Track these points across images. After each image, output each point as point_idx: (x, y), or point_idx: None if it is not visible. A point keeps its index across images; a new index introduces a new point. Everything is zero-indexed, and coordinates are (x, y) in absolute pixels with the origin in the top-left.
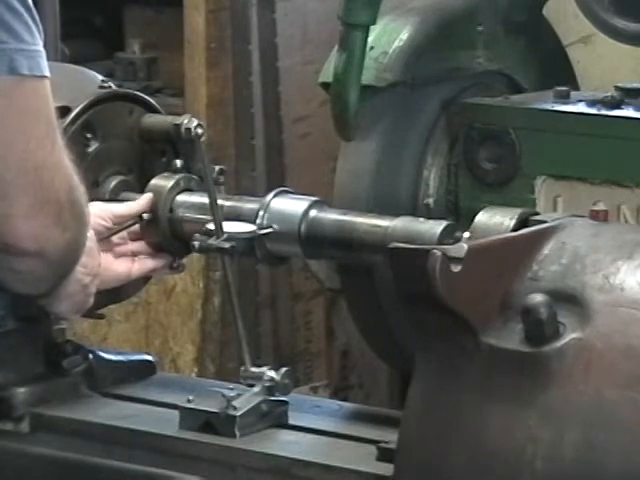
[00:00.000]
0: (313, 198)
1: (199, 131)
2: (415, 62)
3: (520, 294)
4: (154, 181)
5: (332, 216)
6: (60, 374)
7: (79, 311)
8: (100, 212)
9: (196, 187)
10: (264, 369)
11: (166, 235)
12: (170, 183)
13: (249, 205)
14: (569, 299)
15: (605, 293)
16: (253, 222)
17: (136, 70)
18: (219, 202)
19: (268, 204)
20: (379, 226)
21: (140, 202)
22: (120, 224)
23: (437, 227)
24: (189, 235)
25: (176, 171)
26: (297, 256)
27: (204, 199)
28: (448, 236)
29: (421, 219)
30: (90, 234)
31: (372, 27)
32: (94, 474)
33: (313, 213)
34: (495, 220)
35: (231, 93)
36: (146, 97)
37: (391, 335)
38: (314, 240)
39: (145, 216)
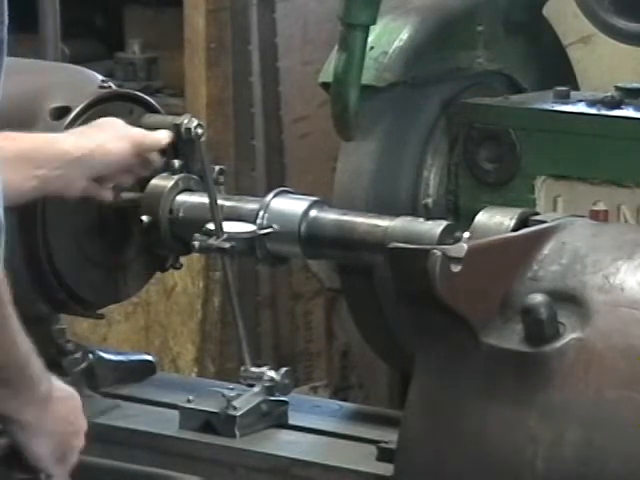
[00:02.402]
0: (313, 198)
1: (199, 131)
2: (415, 62)
3: (520, 294)
4: (154, 181)
5: (332, 216)
6: (60, 374)
7: (61, 461)
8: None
9: (195, 187)
10: (264, 369)
11: (166, 235)
12: (169, 183)
13: (249, 205)
14: (569, 299)
15: (605, 293)
16: (253, 222)
17: (136, 70)
18: (219, 202)
19: (268, 204)
20: (379, 226)
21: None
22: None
23: (437, 227)
24: (189, 235)
25: (175, 171)
26: (297, 256)
27: (204, 199)
28: (448, 236)
29: (421, 219)
30: (76, 399)
31: (372, 27)
32: (94, 474)
33: (313, 213)
34: (495, 220)
35: (231, 93)
36: (146, 97)
37: (391, 335)
38: (314, 240)
39: (144, 218)
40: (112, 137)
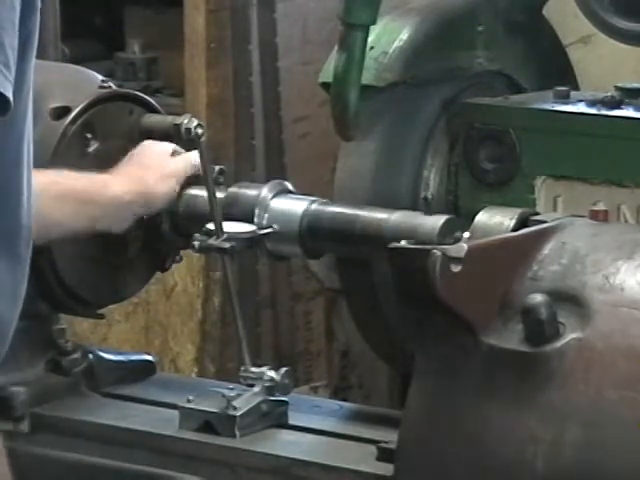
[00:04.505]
0: (312, 198)
1: (199, 131)
2: (415, 62)
3: (520, 294)
4: None
5: (333, 209)
6: (60, 374)
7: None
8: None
9: (196, 183)
10: (264, 369)
11: (167, 229)
12: None
13: (250, 191)
14: (569, 299)
15: (605, 293)
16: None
17: (136, 70)
18: (218, 195)
19: (268, 203)
20: (380, 219)
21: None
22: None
23: (438, 221)
24: (189, 229)
25: None
26: (297, 256)
27: (205, 192)
28: (449, 231)
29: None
30: None
31: (372, 27)
32: (94, 474)
33: (314, 208)
34: (495, 220)
35: (231, 93)
36: (146, 97)
37: (391, 335)
38: (315, 236)
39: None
40: (159, 178)
